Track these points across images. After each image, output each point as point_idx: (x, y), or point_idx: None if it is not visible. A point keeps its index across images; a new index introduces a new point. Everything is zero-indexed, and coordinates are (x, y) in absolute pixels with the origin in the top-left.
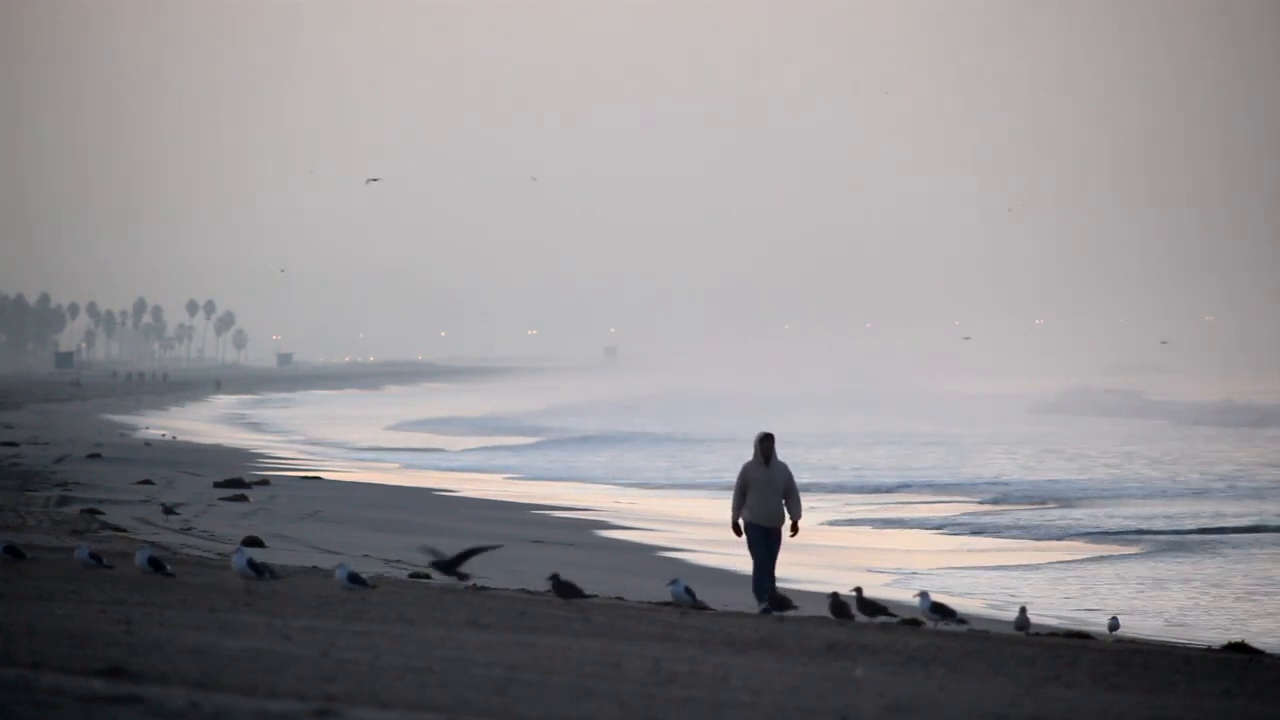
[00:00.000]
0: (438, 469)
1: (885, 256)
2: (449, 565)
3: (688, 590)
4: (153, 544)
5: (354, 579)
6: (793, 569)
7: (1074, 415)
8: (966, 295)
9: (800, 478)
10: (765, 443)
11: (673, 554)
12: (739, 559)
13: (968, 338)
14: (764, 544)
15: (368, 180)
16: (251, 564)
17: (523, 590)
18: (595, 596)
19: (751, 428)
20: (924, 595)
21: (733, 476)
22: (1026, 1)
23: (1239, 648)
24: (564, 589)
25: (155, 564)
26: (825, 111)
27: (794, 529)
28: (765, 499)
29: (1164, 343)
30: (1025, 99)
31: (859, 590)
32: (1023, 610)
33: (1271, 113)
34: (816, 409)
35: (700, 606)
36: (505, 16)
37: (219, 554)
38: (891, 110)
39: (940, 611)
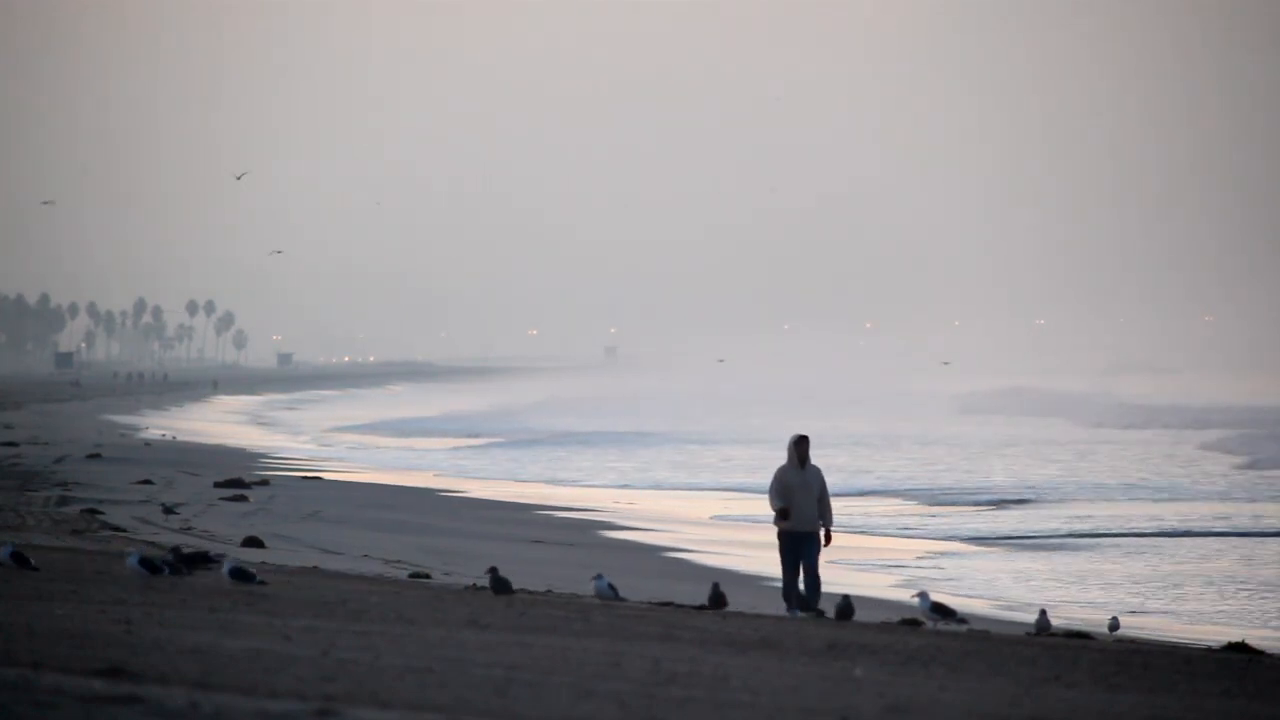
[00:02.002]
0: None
1: (886, 257)
2: (185, 562)
3: (610, 586)
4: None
5: (145, 563)
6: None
7: (996, 415)
8: (967, 295)
9: (733, 478)
10: (801, 445)
11: (678, 554)
12: (741, 560)
13: (721, 360)
14: (795, 551)
15: (236, 176)
16: (143, 561)
17: (523, 590)
18: (526, 592)
19: (672, 426)
20: (924, 595)
21: (667, 475)
22: (1029, 2)
23: (1239, 648)
24: (499, 584)
25: (18, 559)
26: (827, 112)
27: (827, 537)
28: (801, 504)
29: (946, 364)
30: (1027, 99)
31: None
32: (1043, 613)
33: (1274, 113)
34: (749, 409)
35: (622, 600)
36: (509, 19)
37: (218, 554)
38: (893, 111)
39: (940, 611)
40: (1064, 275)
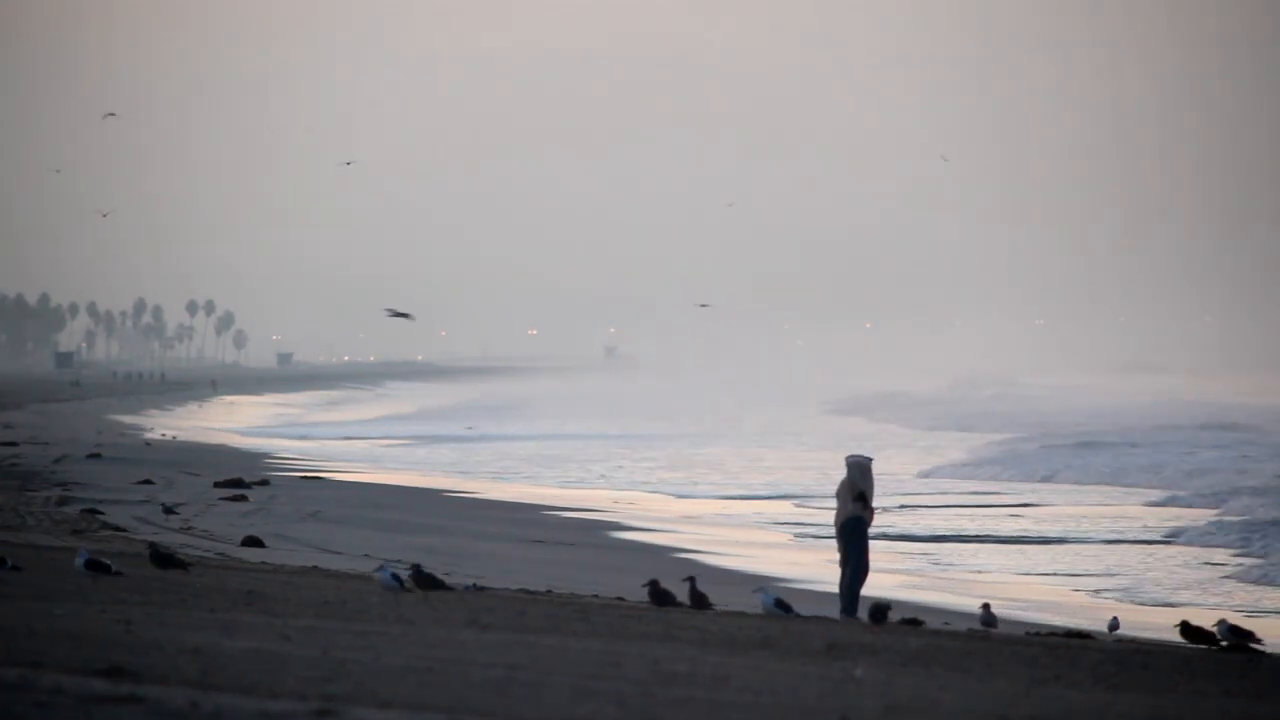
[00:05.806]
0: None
1: (887, 256)
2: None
3: (394, 576)
4: None
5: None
6: (790, 565)
7: (848, 416)
8: (967, 295)
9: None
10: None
11: (686, 555)
12: (747, 560)
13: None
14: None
15: (346, 163)
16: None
17: (523, 590)
18: (455, 589)
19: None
20: (764, 590)
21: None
22: (1034, 5)
23: (1239, 648)
24: (423, 580)
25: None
26: (827, 112)
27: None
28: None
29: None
30: (1030, 101)
31: (692, 579)
32: (986, 607)
33: (1276, 112)
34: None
35: (426, 587)
36: (510, 18)
37: (218, 554)
38: (893, 112)
39: (783, 607)
40: (1064, 275)
